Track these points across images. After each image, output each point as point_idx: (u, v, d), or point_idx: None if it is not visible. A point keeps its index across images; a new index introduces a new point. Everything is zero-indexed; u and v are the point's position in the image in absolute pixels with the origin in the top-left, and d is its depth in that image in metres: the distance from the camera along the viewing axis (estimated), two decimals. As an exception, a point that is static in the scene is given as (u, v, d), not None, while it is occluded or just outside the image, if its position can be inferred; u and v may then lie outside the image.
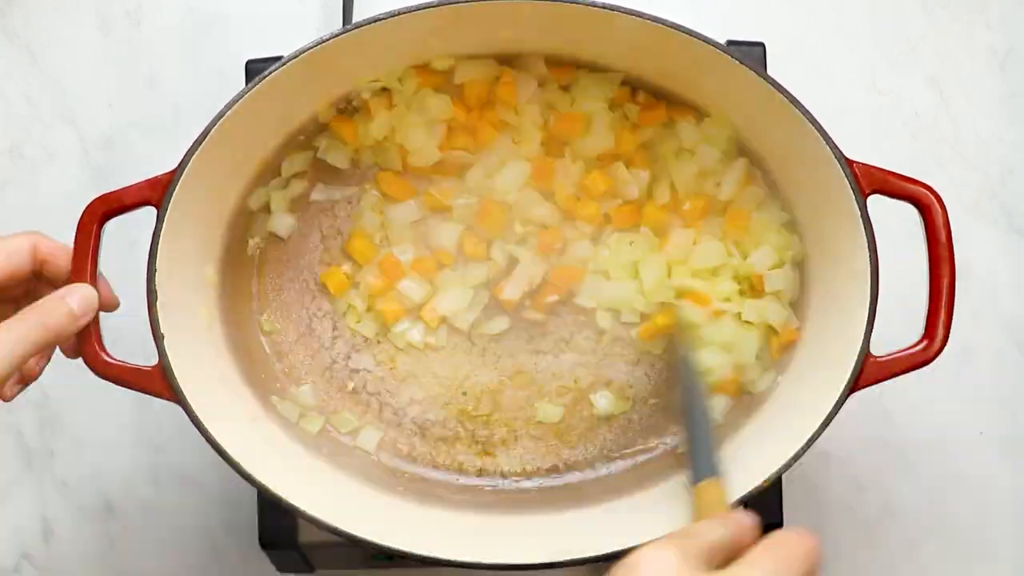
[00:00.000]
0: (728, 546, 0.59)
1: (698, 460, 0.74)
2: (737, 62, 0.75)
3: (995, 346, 0.97)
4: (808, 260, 0.81)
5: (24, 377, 0.76)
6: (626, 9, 0.74)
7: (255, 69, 0.78)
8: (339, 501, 0.79)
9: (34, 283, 0.74)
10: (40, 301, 0.71)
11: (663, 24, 0.75)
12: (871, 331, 0.74)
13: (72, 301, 0.72)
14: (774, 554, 0.57)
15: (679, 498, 0.79)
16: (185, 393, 0.73)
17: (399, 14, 0.75)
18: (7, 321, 0.70)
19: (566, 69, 0.83)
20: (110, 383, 0.74)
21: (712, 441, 0.75)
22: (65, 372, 0.77)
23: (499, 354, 0.85)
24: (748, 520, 0.63)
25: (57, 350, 0.76)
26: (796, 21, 0.99)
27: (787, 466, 0.74)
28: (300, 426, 0.84)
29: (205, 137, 0.74)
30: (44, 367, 0.77)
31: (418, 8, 0.75)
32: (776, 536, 0.59)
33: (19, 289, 0.74)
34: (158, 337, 0.74)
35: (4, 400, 0.75)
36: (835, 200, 0.76)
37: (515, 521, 0.82)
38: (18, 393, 0.76)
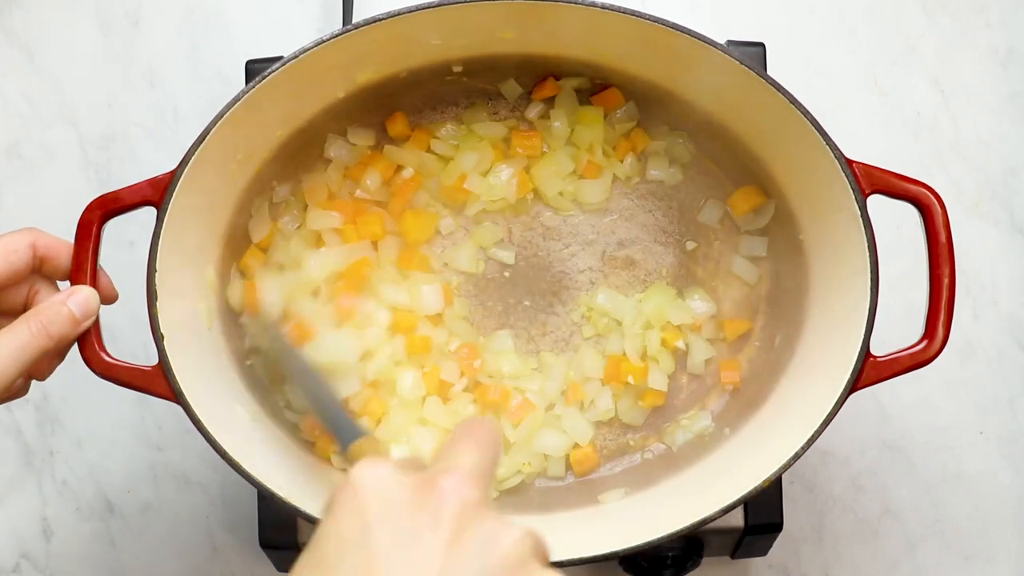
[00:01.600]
0: (414, 466, 0.59)
1: (340, 430, 0.72)
2: (737, 62, 0.75)
3: (995, 346, 0.97)
4: (808, 260, 0.82)
5: (32, 375, 0.76)
6: (626, 9, 0.74)
7: (255, 69, 0.78)
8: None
9: (34, 280, 0.74)
10: (41, 306, 0.71)
11: (663, 24, 0.75)
12: (871, 331, 0.74)
13: (74, 306, 0.72)
14: (470, 440, 0.57)
15: (679, 497, 0.79)
16: (185, 393, 0.73)
17: (399, 14, 0.75)
18: (9, 327, 0.70)
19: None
20: (110, 383, 0.74)
21: (341, 408, 0.74)
22: (65, 372, 0.77)
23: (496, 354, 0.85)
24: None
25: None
26: (796, 21, 0.99)
27: (787, 466, 0.74)
28: (300, 426, 0.84)
29: (205, 137, 0.74)
30: (56, 367, 0.77)
31: (418, 8, 0.75)
32: (462, 426, 0.58)
33: (18, 288, 0.74)
34: (158, 337, 0.74)
35: (22, 395, 0.75)
36: (835, 200, 0.76)
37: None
38: (29, 387, 0.76)
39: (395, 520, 0.51)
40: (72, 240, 0.74)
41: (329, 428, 0.74)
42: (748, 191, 0.85)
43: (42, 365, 0.75)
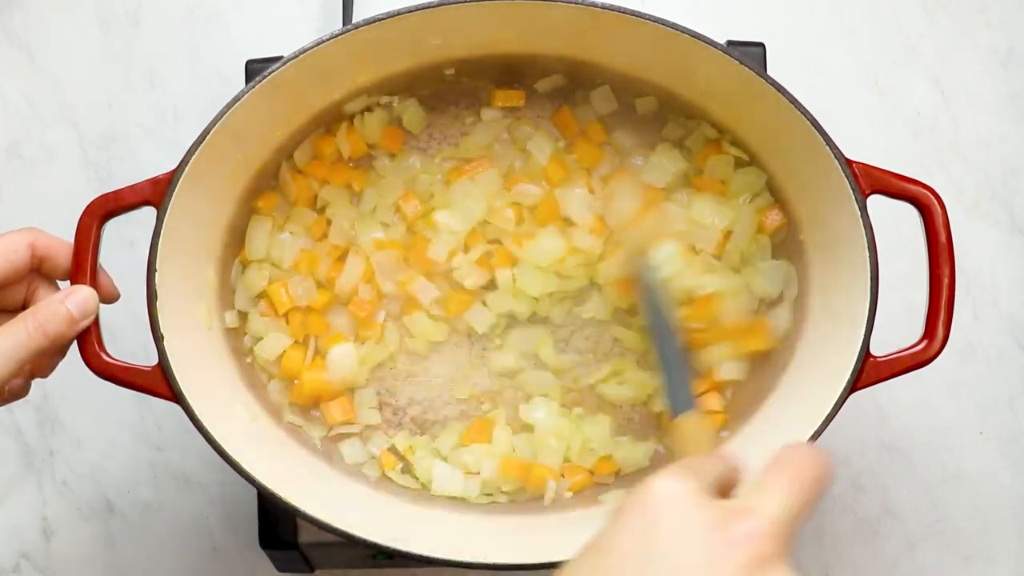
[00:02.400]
0: (725, 482, 0.57)
1: (675, 394, 0.71)
2: (737, 62, 0.75)
3: (995, 346, 0.97)
4: (808, 260, 0.81)
5: (34, 374, 0.76)
6: (626, 9, 0.74)
7: (255, 69, 0.78)
8: (339, 501, 0.79)
9: (33, 279, 0.74)
10: (39, 304, 0.72)
11: (663, 24, 0.75)
12: (871, 331, 0.74)
13: (72, 305, 0.71)
14: (786, 477, 0.54)
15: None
16: (185, 393, 0.73)
17: (399, 14, 0.75)
18: (6, 325, 0.70)
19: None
20: (110, 383, 0.74)
21: (687, 373, 0.72)
22: (65, 372, 0.77)
23: (499, 353, 0.85)
24: (736, 458, 0.60)
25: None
26: (796, 21, 0.99)
27: (787, 466, 0.74)
28: (301, 426, 0.84)
29: (205, 137, 0.74)
30: (57, 364, 0.77)
31: (418, 8, 0.75)
32: (785, 456, 0.55)
33: (17, 287, 0.74)
34: (158, 337, 0.74)
35: (23, 396, 0.75)
36: (835, 200, 0.76)
37: (516, 521, 0.82)
38: (30, 388, 0.76)
39: (680, 554, 0.50)
40: (72, 240, 0.74)
41: (667, 386, 0.72)
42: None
43: (43, 362, 0.75)
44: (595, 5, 0.75)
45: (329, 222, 0.84)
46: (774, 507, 0.52)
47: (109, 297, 0.75)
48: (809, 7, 0.99)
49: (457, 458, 0.83)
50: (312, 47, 0.75)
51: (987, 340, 0.97)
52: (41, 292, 0.74)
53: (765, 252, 0.84)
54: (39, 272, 0.74)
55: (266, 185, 0.84)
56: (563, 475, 0.83)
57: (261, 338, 0.83)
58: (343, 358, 0.83)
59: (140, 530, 0.96)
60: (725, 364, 0.83)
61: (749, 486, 0.54)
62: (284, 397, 0.84)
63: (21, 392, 0.76)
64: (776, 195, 0.83)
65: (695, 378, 0.76)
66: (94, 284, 0.73)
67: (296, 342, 0.83)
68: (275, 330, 0.83)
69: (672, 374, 0.73)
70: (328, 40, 0.75)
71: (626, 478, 0.84)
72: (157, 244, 0.74)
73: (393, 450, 0.84)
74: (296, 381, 0.83)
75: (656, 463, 0.84)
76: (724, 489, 0.57)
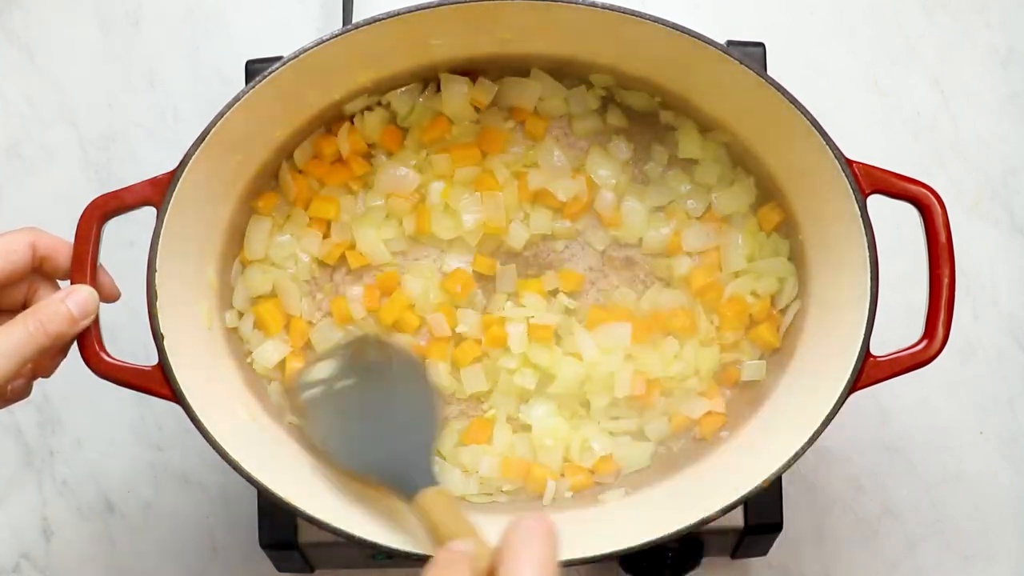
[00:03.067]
0: (491, 563, 0.58)
1: (413, 467, 0.72)
2: (737, 62, 0.75)
3: (995, 346, 0.97)
4: (808, 260, 0.82)
5: (36, 374, 0.76)
6: (626, 9, 0.74)
7: (255, 69, 0.78)
8: (339, 501, 0.78)
9: (34, 278, 0.74)
10: (40, 304, 0.71)
11: (663, 24, 0.75)
12: (871, 331, 0.74)
13: (72, 305, 0.71)
14: (528, 558, 0.56)
15: (679, 497, 0.79)
16: (185, 393, 0.73)
17: (399, 14, 0.75)
18: (6, 325, 0.70)
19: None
20: (110, 383, 0.74)
21: (424, 436, 0.73)
22: (65, 372, 0.77)
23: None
24: (474, 544, 0.62)
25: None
26: (796, 21, 0.99)
27: (787, 466, 0.74)
28: (301, 427, 0.84)
29: (205, 137, 0.74)
30: (59, 364, 0.77)
31: (418, 8, 0.75)
32: (514, 537, 0.57)
33: (18, 286, 0.74)
34: (158, 337, 0.74)
35: (24, 397, 0.75)
36: (835, 200, 0.76)
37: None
38: (31, 389, 0.76)
39: None
40: (72, 239, 0.74)
41: (392, 478, 0.73)
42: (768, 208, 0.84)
43: (44, 363, 0.75)
44: (595, 5, 0.75)
45: (329, 223, 0.84)
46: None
47: (109, 297, 0.75)
48: (809, 7, 0.99)
49: (456, 457, 0.83)
50: (312, 47, 0.75)
51: (987, 340, 0.97)
52: (41, 292, 0.74)
53: (766, 251, 0.84)
54: (40, 272, 0.74)
55: (266, 185, 0.84)
56: (563, 475, 0.83)
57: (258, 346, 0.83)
58: None
59: (140, 530, 0.96)
60: (747, 365, 0.83)
61: (498, 561, 0.56)
62: (284, 398, 0.83)
63: (23, 393, 0.76)
64: (776, 195, 0.83)
65: (433, 430, 0.77)
66: (94, 284, 0.73)
67: (295, 350, 0.83)
68: (273, 338, 0.83)
69: (384, 467, 0.73)
70: (328, 40, 0.75)
71: (626, 478, 0.84)
72: (157, 244, 0.74)
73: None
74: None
75: (656, 463, 0.84)
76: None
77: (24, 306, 0.74)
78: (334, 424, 0.78)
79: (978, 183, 0.98)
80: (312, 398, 0.79)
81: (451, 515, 0.69)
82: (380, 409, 0.78)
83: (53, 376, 0.77)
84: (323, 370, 0.80)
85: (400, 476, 0.72)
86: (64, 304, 0.71)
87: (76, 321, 0.72)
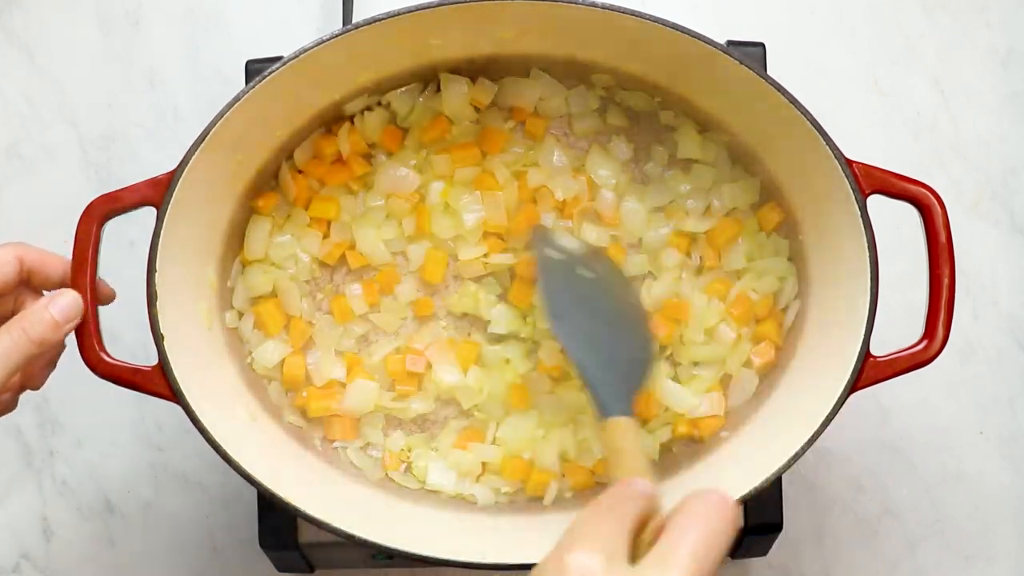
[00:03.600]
0: (641, 520, 0.56)
1: (601, 392, 0.69)
2: (737, 62, 0.75)
3: (995, 346, 0.97)
4: (808, 260, 0.82)
5: (24, 386, 0.76)
6: (626, 9, 0.74)
7: (255, 69, 0.78)
8: (339, 501, 0.79)
9: (21, 292, 0.74)
10: (23, 311, 0.71)
11: (663, 24, 0.75)
12: (871, 331, 0.74)
13: (55, 310, 0.71)
14: (694, 535, 0.53)
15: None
16: (185, 393, 0.73)
17: (399, 14, 0.75)
18: None
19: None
20: (110, 383, 0.74)
21: (617, 367, 0.71)
22: (65, 372, 0.77)
23: (502, 360, 0.85)
24: (650, 486, 0.59)
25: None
26: (796, 21, 0.99)
27: (787, 466, 0.74)
28: (301, 427, 0.84)
29: (205, 137, 0.74)
30: (48, 375, 0.77)
31: (418, 8, 0.75)
32: (690, 508, 0.54)
33: (5, 300, 0.74)
34: (158, 337, 0.74)
35: (10, 410, 0.75)
36: (835, 200, 0.76)
37: (516, 520, 0.82)
38: (17, 403, 0.76)
39: None
40: (66, 247, 0.73)
41: (588, 384, 0.71)
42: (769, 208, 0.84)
43: (32, 372, 0.75)
44: (595, 5, 0.75)
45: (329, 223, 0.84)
46: (687, 556, 0.52)
47: (105, 298, 0.75)
48: (809, 7, 0.99)
49: (455, 457, 0.83)
50: (312, 47, 0.75)
51: (987, 340, 0.97)
52: (28, 303, 0.74)
53: (766, 251, 0.84)
54: (28, 285, 0.74)
55: (266, 185, 0.84)
56: (563, 475, 0.83)
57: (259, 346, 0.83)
58: (363, 394, 0.83)
59: (140, 530, 0.96)
60: (738, 378, 0.83)
61: (659, 551, 0.53)
62: (284, 398, 0.83)
63: (10, 406, 0.76)
64: (776, 195, 0.83)
65: (645, 371, 0.74)
66: (94, 284, 0.73)
67: (295, 350, 0.83)
68: (273, 338, 0.83)
69: (592, 370, 0.71)
70: (328, 40, 0.75)
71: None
72: (157, 244, 0.74)
73: (393, 450, 0.84)
74: (303, 394, 0.83)
75: (656, 463, 0.84)
76: (642, 525, 0.56)
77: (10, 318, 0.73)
78: (566, 300, 0.76)
79: (978, 183, 0.98)
80: (552, 259, 0.77)
81: (637, 452, 0.66)
82: (611, 320, 0.76)
83: (53, 376, 0.77)
84: (571, 243, 0.79)
85: (605, 390, 0.70)
86: (47, 310, 0.71)
87: (59, 326, 0.71)
